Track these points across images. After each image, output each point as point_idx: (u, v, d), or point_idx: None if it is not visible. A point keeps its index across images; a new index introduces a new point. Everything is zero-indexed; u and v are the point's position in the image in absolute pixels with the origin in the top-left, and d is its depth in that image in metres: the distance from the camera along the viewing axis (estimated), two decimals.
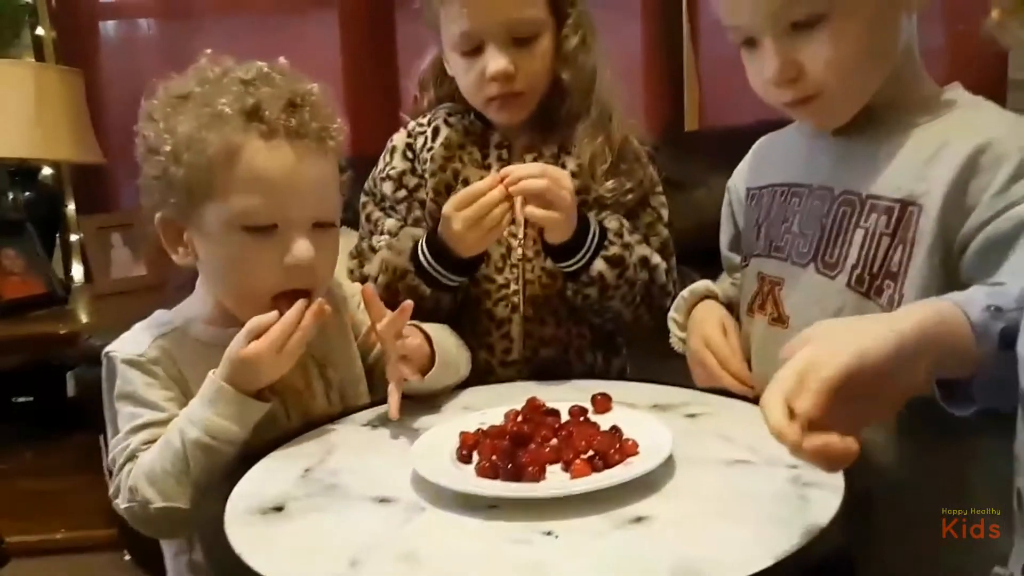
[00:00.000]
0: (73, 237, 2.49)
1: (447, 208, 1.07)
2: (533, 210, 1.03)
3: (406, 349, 0.92)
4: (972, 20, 0.64)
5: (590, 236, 1.10)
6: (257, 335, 0.86)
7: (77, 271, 2.51)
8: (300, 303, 0.88)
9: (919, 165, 0.83)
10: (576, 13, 1.16)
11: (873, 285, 0.85)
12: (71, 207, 2.51)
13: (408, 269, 1.11)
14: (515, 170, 1.05)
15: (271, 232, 0.89)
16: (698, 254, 1.28)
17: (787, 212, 0.95)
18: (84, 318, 2.12)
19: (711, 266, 1.18)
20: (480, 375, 1.14)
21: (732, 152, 1.11)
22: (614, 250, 1.11)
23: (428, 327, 1.02)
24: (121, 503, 0.87)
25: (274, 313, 0.87)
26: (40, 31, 2.46)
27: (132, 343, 0.94)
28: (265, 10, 2.53)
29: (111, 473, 0.90)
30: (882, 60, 0.85)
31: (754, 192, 1.03)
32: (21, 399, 2.30)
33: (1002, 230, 0.78)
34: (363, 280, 1.16)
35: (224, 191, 0.88)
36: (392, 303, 1.07)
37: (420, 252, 1.11)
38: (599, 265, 1.10)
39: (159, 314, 0.98)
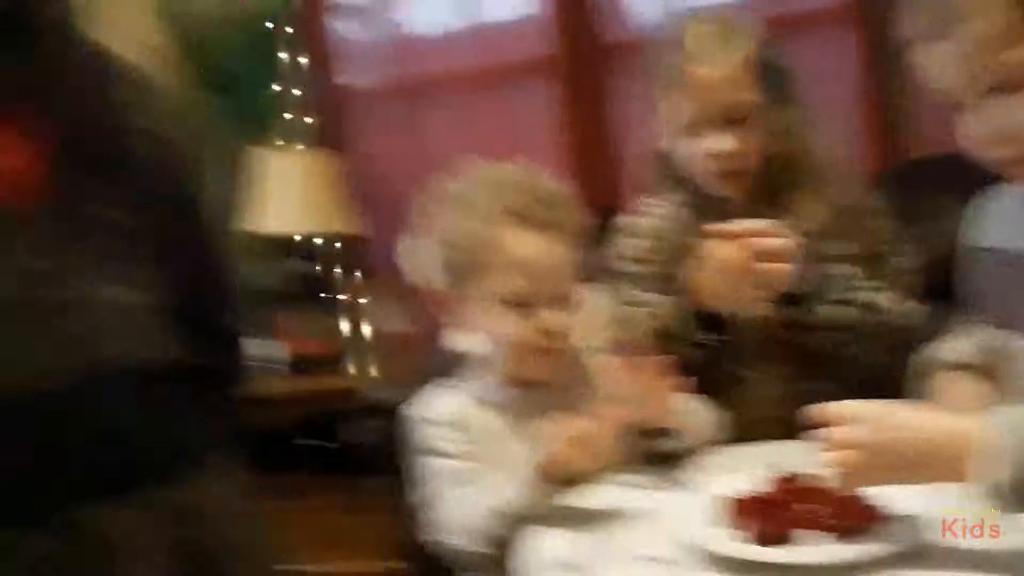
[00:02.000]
0: (343, 298, 2.82)
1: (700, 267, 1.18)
2: (771, 266, 1.12)
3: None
4: None
5: (816, 281, 1.17)
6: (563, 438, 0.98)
7: (347, 328, 2.83)
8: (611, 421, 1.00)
9: None
10: (789, 93, 1.25)
11: None
12: (341, 272, 2.84)
13: (666, 329, 1.23)
14: (746, 226, 1.15)
15: (528, 305, 1.05)
16: (928, 288, 1.27)
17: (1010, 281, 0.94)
18: (360, 373, 2.40)
19: (940, 299, 1.18)
20: (734, 434, 1.23)
21: (961, 179, 1.06)
22: (842, 294, 1.18)
23: (679, 395, 1.10)
24: (433, 542, 1.04)
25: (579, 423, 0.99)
26: (307, 119, 2.83)
27: (427, 403, 1.11)
28: (489, 84, 2.75)
29: (415, 515, 1.08)
30: None
31: (979, 252, 1.01)
32: (307, 443, 2.61)
33: None
34: (622, 342, 1.28)
35: (490, 272, 1.05)
36: (650, 361, 1.18)
37: (675, 314, 1.22)
38: (827, 308, 1.17)
39: (446, 378, 1.16)
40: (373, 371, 2.35)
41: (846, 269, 1.20)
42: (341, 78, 2.85)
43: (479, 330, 1.10)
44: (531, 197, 1.07)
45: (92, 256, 0.76)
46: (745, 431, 1.24)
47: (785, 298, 1.18)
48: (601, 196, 2.60)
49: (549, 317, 1.06)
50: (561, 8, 2.62)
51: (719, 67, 1.21)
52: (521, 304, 1.05)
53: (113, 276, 0.76)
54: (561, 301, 1.07)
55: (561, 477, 0.98)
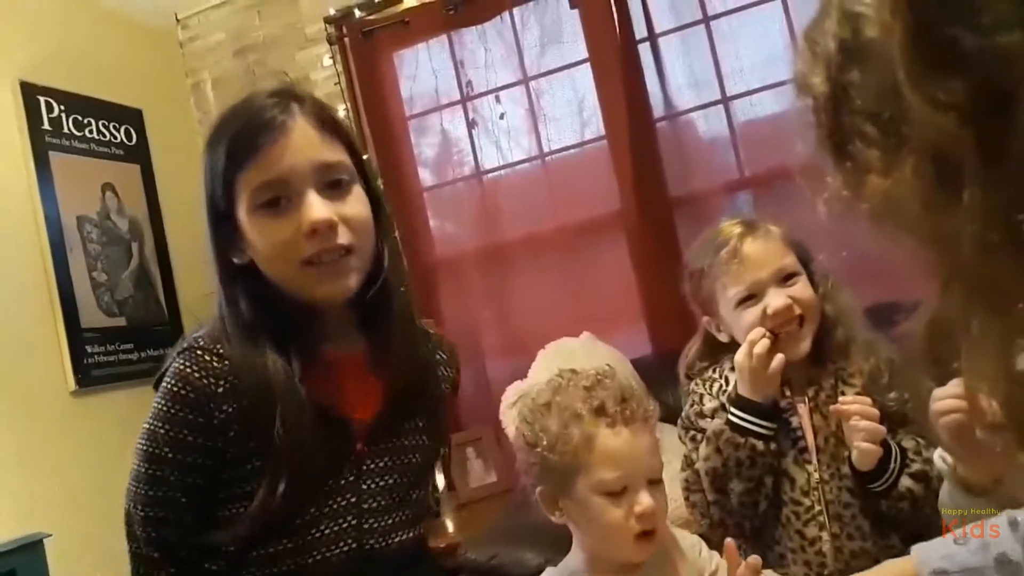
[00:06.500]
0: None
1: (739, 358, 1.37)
2: (862, 444, 1.27)
3: None
4: None
5: (893, 457, 1.29)
6: None
7: (440, 481, 2.99)
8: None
9: None
10: (818, 262, 1.42)
11: None
12: None
13: (723, 428, 1.38)
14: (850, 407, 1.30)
15: (623, 494, 1.17)
16: None
17: None
18: (458, 531, 2.53)
19: None
20: None
21: None
22: (916, 467, 1.30)
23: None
24: None
25: None
26: None
27: None
28: (566, 244, 2.97)
29: None
30: None
31: None
32: None
33: None
34: (696, 476, 1.43)
35: (586, 469, 1.18)
36: (721, 467, 1.37)
37: (728, 411, 1.38)
38: (906, 482, 1.29)
39: (550, 570, 1.27)
40: (471, 527, 2.47)
41: (911, 444, 1.33)
42: (427, 253, 3.13)
43: (582, 523, 1.21)
44: (612, 397, 1.20)
45: (406, 479, 1.09)
46: None
47: (865, 474, 1.31)
48: (675, 335, 2.75)
49: (644, 501, 1.16)
50: (631, 167, 2.86)
51: (762, 242, 1.40)
52: (616, 493, 1.17)
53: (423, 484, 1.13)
54: (652, 484, 1.18)
55: None
